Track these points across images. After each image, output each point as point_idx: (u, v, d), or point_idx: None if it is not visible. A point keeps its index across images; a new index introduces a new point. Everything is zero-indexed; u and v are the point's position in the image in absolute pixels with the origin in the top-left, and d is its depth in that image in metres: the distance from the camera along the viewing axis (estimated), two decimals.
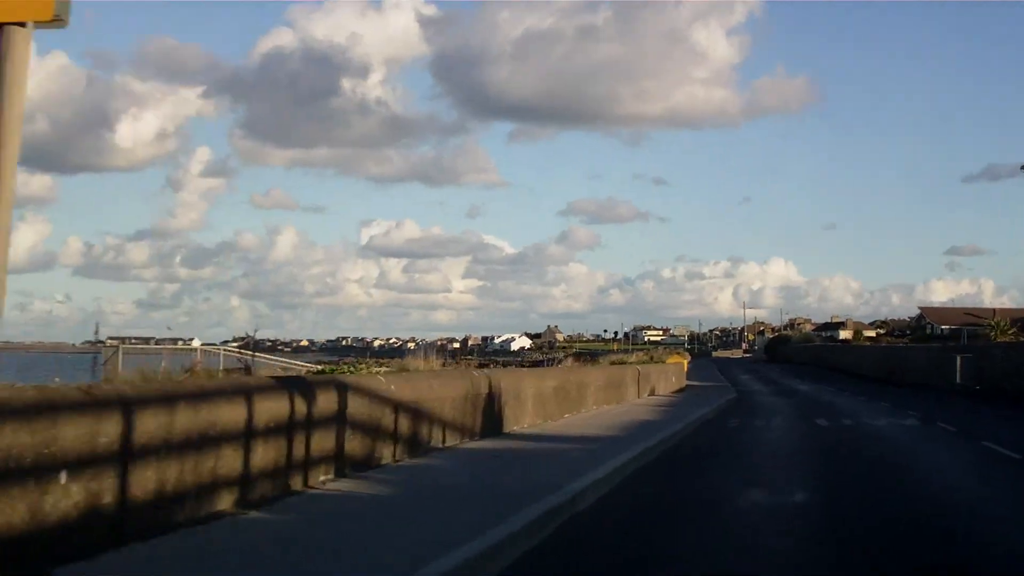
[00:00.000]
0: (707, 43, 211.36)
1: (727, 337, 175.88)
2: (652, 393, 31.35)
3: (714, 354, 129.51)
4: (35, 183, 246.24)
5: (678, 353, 41.87)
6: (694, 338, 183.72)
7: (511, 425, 16.63)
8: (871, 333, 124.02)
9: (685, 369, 39.88)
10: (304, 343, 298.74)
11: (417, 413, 12.38)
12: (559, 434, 16.95)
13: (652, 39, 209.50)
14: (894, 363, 51.11)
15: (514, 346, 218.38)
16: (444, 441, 13.43)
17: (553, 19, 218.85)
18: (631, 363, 34.69)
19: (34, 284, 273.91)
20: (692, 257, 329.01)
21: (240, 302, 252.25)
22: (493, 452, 13.65)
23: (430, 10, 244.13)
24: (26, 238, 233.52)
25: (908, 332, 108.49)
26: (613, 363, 35.16)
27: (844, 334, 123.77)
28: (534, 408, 17.99)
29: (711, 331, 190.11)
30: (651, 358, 40.87)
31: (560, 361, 44.29)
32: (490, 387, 15.53)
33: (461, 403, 14.17)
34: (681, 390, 36.14)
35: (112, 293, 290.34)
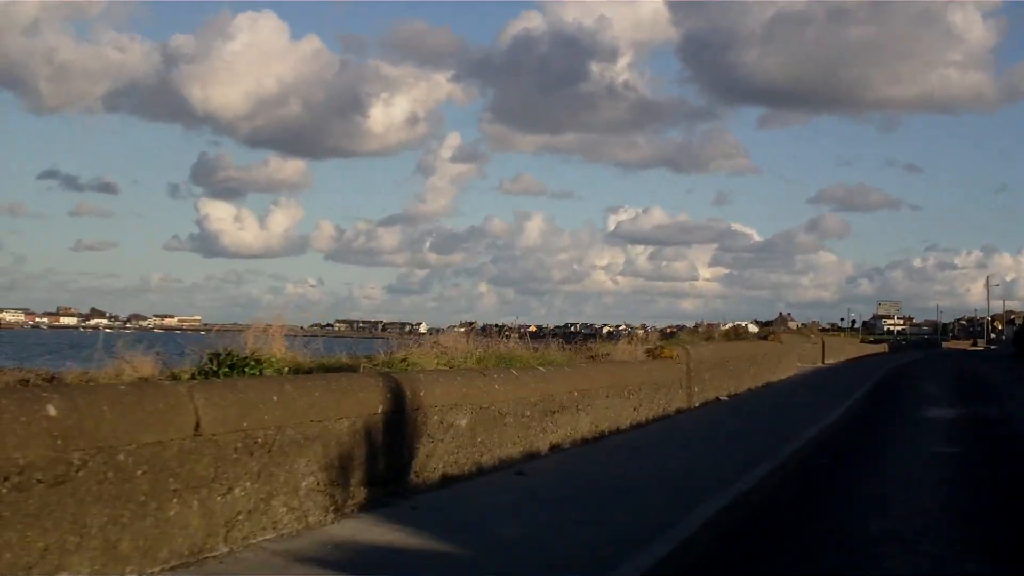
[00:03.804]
0: (963, 25, 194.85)
1: (972, 327, 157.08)
2: None
3: (945, 345, 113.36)
4: (289, 168, 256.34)
5: None
6: (936, 328, 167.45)
7: None
8: None
9: None
10: (532, 328, 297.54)
11: None
12: None
13: (905, 21, 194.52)
14: None
15: None
16: None
17: (804, 0, 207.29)
18: None
19: (287, 268, 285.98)
20: (944, 247, 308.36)
21: (488, 288, 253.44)
22: None
23: None
24: (280, 223, 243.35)
25: None
26: None
27: None
28: None
29: (956, 321, 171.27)
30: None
31: None
32: None
33: None
34: None
35: (362, 278, 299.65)
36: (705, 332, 31.08)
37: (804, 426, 16.81)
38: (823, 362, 42.97)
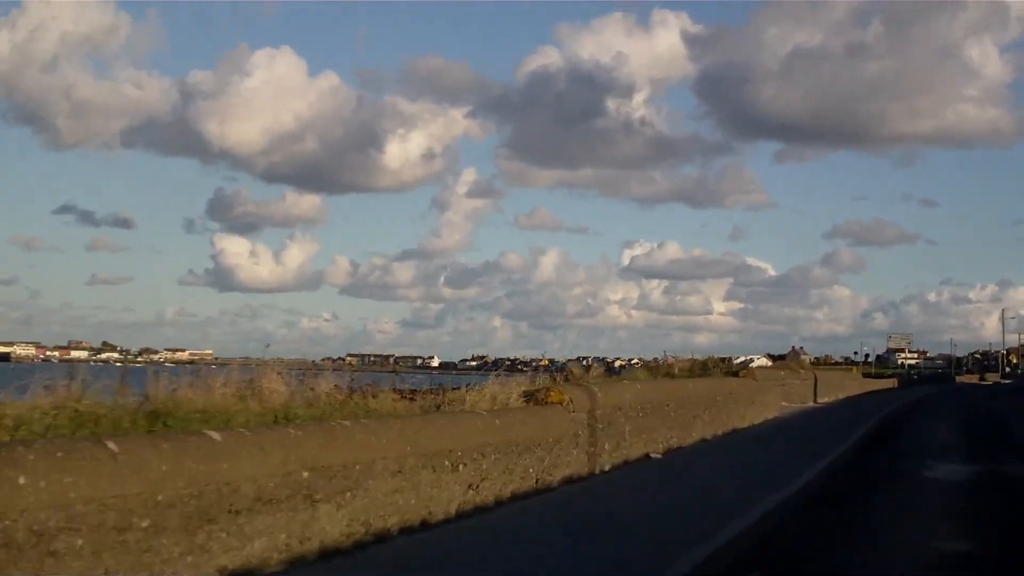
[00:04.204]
0: (980, 60, 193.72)
1: (987, 361, 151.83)
2: None
3: (958, 379, 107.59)
4: (305, 203, 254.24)
5: None
6: (951, 362, 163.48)
7: None
8: None
9: None
10: (544, 362, 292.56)
11: None
12: None
13: (923, 56, 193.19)
14: None
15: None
16: None
17: (822, 35, 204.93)
18: None
19: (302, 303, 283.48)
20: (958, 281, 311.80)
21: (502, 322, 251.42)
22: None
23: (696, 28, 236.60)
24: (295, 258, 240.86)
25: None
26: None
27: None
28: None
29: (970, 354, 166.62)
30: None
31: None
32: None
33: None
34: None
35: (377, 312, 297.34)
36: (666, 367, 25.66)
37: (750, 501, 11.48)
38: (815, 401, 37.39)
